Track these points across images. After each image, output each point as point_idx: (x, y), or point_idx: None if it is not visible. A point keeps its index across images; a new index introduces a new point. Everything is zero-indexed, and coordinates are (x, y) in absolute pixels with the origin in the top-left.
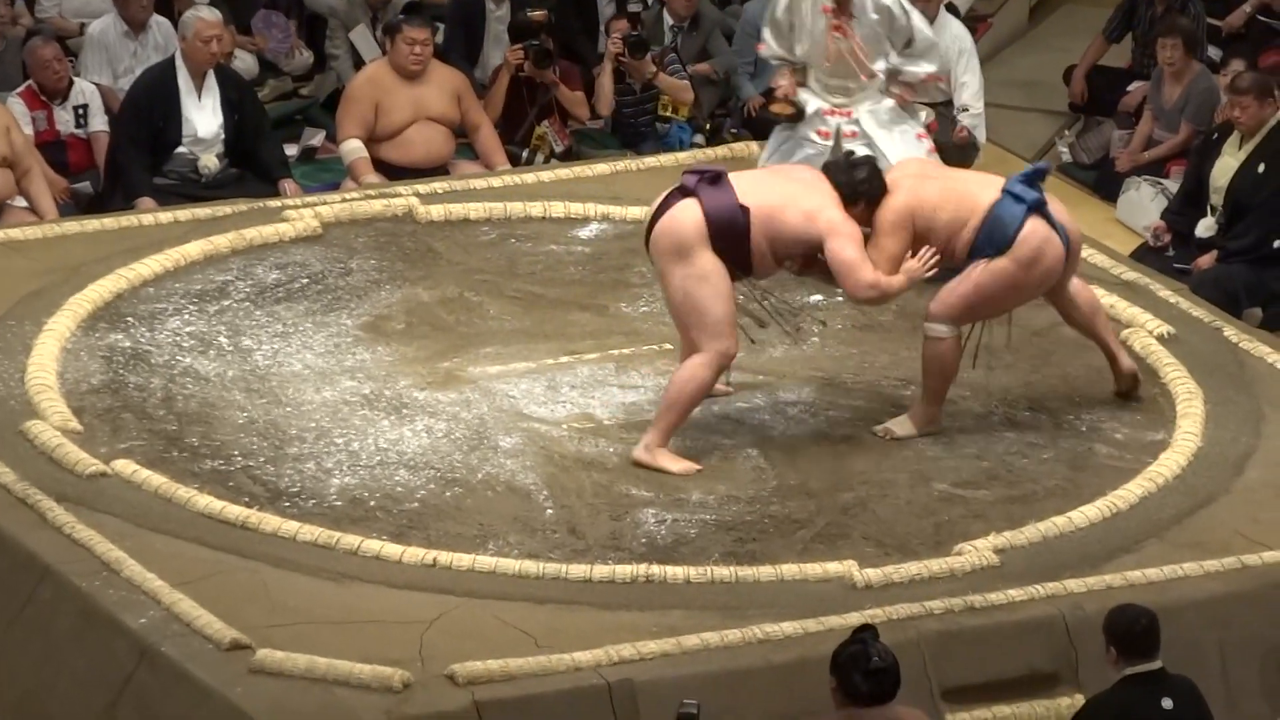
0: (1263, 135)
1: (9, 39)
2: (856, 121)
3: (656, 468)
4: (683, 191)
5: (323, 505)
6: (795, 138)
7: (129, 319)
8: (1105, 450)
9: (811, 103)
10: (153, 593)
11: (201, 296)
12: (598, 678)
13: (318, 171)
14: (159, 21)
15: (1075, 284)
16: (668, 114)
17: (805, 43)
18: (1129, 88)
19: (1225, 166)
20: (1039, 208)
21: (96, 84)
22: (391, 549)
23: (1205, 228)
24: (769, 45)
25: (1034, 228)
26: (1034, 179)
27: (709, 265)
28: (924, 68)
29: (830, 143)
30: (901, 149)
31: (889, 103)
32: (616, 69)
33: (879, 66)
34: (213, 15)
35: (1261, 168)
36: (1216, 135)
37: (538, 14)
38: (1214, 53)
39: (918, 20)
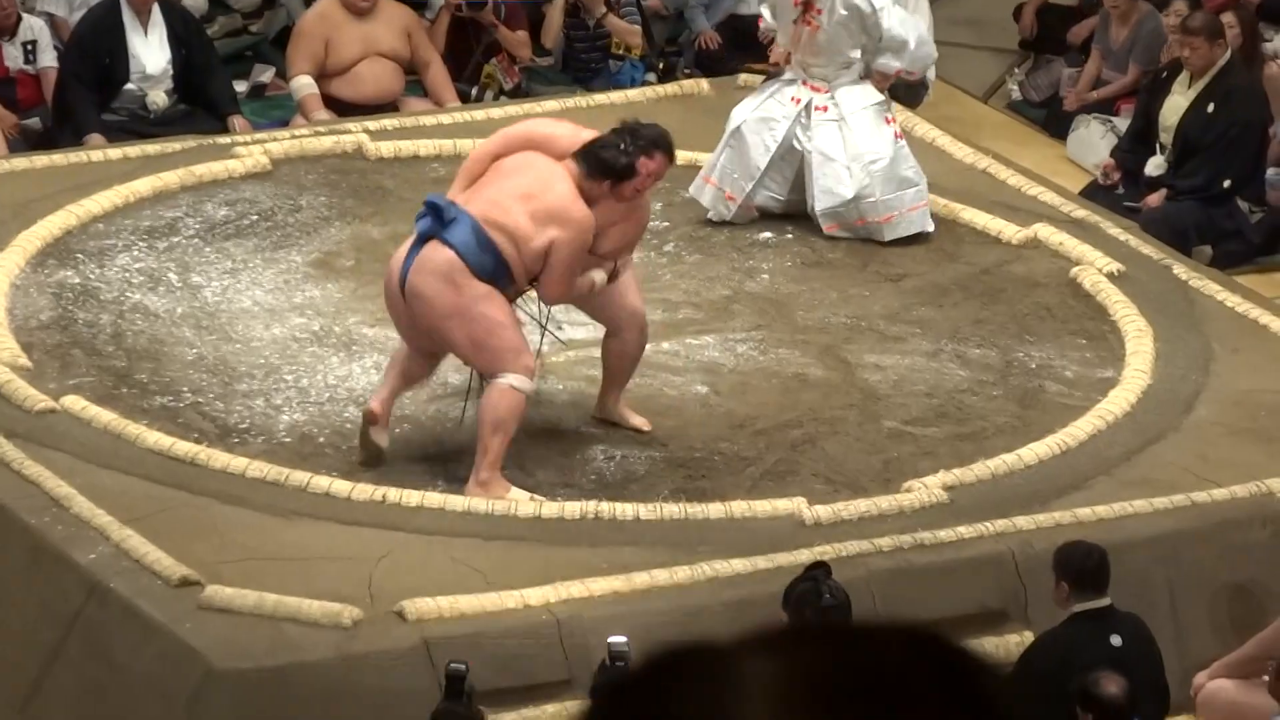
0: (1212, 75)
1: None
2: (831, 97)
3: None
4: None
5: (272, 442)
6: (771, 97)
7: (78, 255)
8: (1055, 388)
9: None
10: (102, 529)
11: (151, 233)
12: (547, 615)
13: (267, 108)
14: None
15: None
16: (620, 52)
17: (781, 27)
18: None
19: (1174, 105)
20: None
21: (51, 14)
22: (341, 486)
23: (1155, 166)
24: (766, 20)
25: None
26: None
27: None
28: (893, 64)
29: (799, 108)
30: (871, 129)
31: (867, 85)
32: (571, 5)
33: (853, 55)
34: None
35: (1211, 107)
36: (1165, 74)
37: None
38: None
39: (887, 20)
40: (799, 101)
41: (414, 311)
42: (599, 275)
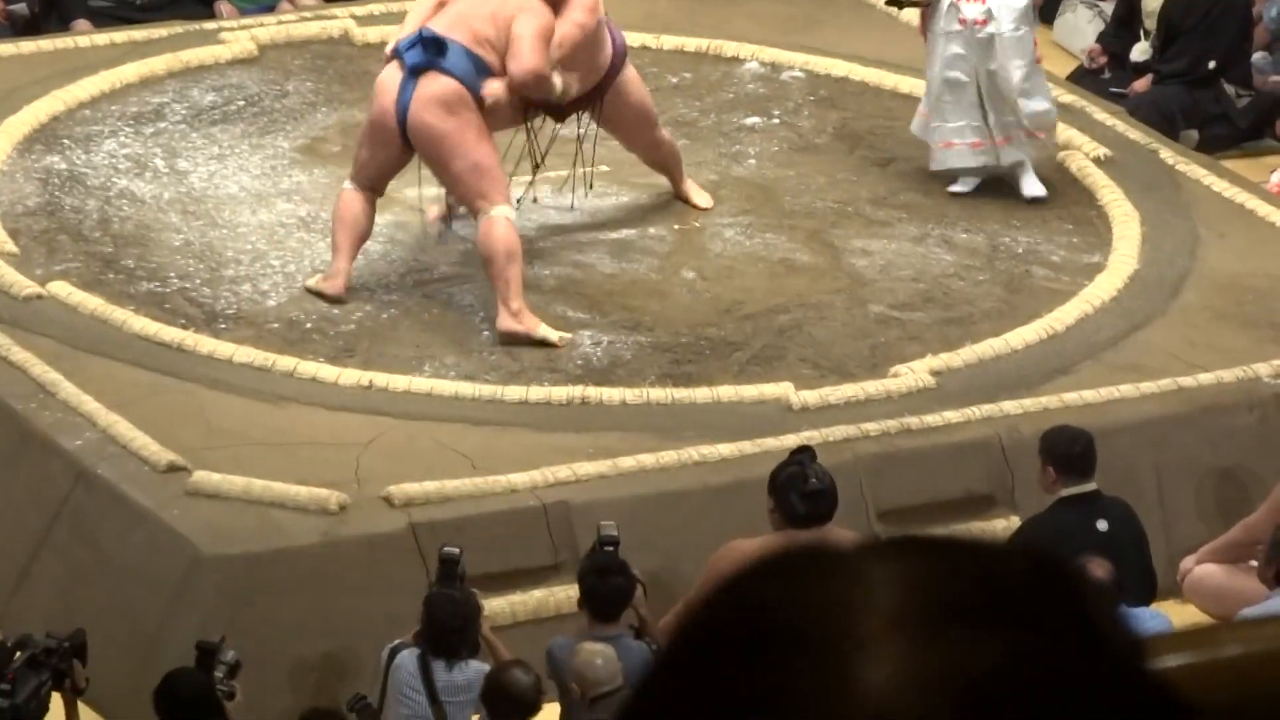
0: None
1: None
2: (988, 11)
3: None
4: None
5: (259, 327)
6: (938, 33)
7: (65, 141)
8: (1042, 272)
9: None
10: (89, 415)
11: (137, 119)
12: (533, 499)
13: None
14: None
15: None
16: None
17: None
18: None
19: None
20: (400, 57)
21: None
22: (328, 371)
23: (1140, 51)
24: None
25: (384, 72)
26: (438, 45)
27: None
28: None
29: (972, 32)
30: (1014, 51)
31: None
32: None
33: None
34: None
35: None
36: None
37: None
38: None
39: None
40: (965, 23)
41: (418, 143)
42: (558, 81)
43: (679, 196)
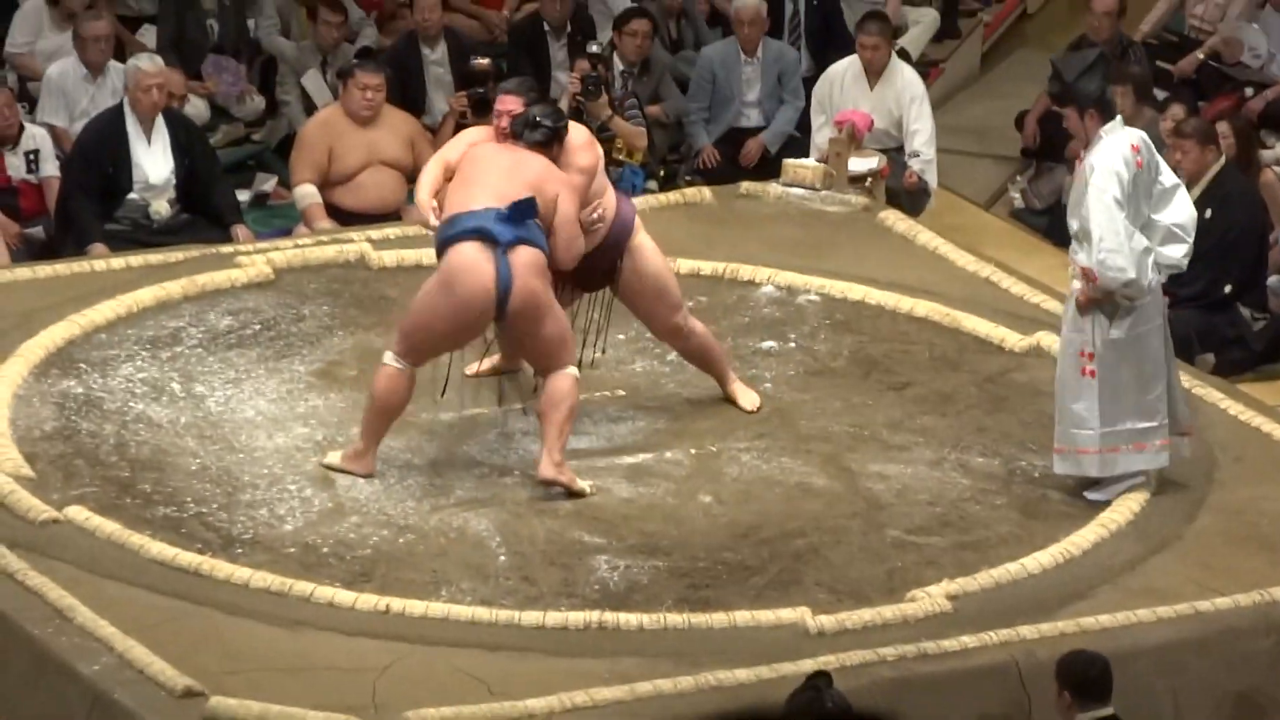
0: (1207, 181)
1: None
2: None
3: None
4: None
5: (275, 552)
6: None
7: (81, 365)
8: (1058, 496)
9: None
10: (105, 640)
11: (154, 343)
12: None
13: (270, 217)
14: (116, 66)
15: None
16: (621, 157)
17: None
18: None
19: None
20: (486, 236)
21: (52, 125)
22: (344, 596)
23: None
24: None
25: (465, 251)
26: (527, 213)
27: None
28: (1080, 257)
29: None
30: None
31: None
32: (575, 109)
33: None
34: (152, 65)
35: (1208, 213)
36: None
37: (482, 62)
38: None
39: (1093, 203)
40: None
41: (523, 314)
42: (584, 215)
43: (726, 396)
